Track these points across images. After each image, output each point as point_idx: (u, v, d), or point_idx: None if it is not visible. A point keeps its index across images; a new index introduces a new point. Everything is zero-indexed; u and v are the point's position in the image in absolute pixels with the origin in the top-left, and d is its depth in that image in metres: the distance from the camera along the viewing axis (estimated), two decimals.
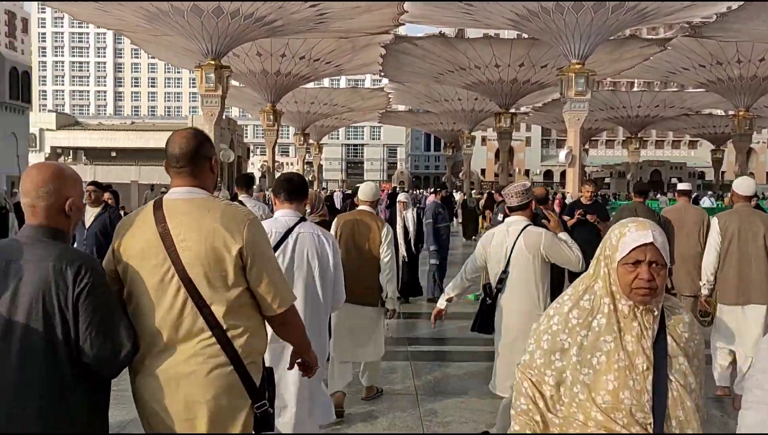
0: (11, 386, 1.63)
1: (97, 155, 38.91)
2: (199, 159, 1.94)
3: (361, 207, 4.63)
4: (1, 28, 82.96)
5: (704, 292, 4.67)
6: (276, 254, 2.77)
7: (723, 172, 58.43)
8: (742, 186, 4.71)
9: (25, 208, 1.76)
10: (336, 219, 4.54)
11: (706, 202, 21.04)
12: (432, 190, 17.06)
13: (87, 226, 5.49)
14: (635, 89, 53.90)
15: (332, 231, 4.23)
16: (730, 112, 49.05)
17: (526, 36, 27.89)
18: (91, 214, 5.52)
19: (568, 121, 22.58)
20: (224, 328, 1.84)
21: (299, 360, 2.23)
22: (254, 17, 21.40)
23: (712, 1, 22.19)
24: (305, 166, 53.55)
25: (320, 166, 57.50)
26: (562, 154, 22.30)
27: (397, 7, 23.09)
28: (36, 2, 75.56)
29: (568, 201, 14.10)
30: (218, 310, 1.83)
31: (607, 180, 65.87)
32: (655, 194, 36.91)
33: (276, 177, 4.05)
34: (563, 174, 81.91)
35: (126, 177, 28.72)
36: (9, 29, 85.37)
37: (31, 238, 1.72)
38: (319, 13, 22.58)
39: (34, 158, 42.75)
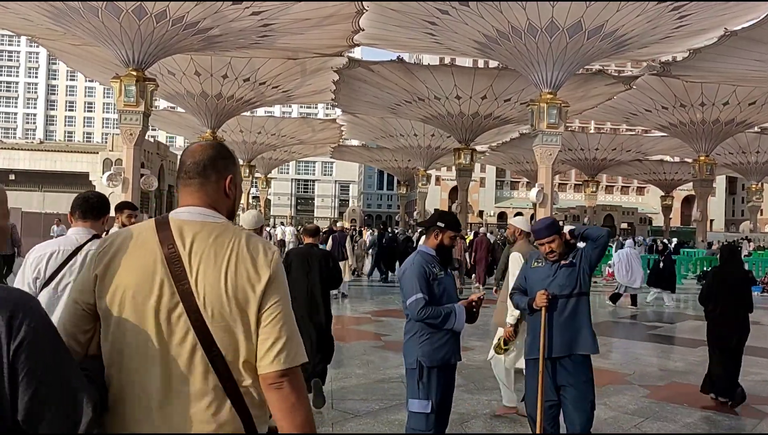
0: None
1: None
2: (213, 172, 1.62)
3: None
4: None
5: (512, 321, 4.94)
6: (62, 273, 2.75)
7: (670, 219, 59.27)
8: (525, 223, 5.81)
9: None
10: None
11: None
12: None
13: None
14: (592, 131, 53.71)
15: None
16: (677, 159, 49.53)
17: (490, 65, 26.04)
18: None
19: (539, 157, 20.38)
20: (240, 388, 1.50)
21: None
22: (185, 22, 18.38)
23: (689, 37, 20.91)
24: (251, 200, 49.86)
25: (267, 201, 54.00)
26: (533, 192, 20.01)
27: (352, 23, 20.60)
28: None
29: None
30: (234, 365, 1.50)
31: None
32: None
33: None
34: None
35: (28, 204, 24.61)
36: None
37: None
38: (263, 24, 19.78)
39: None
